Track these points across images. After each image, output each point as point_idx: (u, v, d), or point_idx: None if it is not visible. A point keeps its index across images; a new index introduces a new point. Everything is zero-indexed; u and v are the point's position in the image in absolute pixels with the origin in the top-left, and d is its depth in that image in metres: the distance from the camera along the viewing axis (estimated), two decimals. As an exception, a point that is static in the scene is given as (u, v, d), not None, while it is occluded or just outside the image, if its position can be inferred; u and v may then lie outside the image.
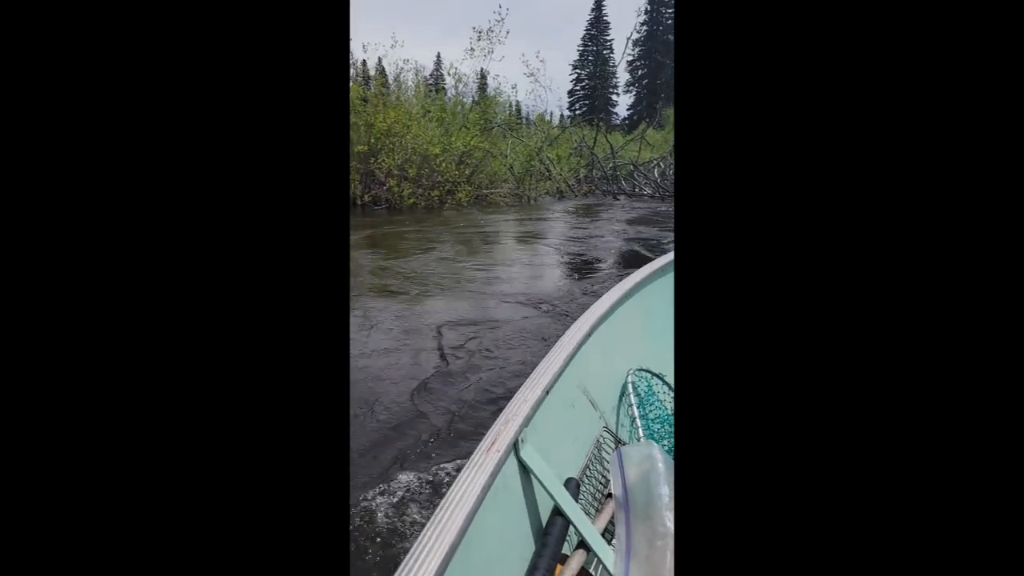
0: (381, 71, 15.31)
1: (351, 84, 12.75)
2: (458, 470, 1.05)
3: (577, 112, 42.29)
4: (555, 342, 1.43)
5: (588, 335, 1.52)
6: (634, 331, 1.90)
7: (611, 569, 1.04)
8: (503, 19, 13.79)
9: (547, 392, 1.21)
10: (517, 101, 19.40)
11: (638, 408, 1.63)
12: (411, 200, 11.16)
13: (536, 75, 20.69)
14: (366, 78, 14.01)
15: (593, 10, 44.94)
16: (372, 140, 11.11)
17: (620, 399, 1.74)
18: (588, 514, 1.23)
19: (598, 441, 1.47)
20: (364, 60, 14.95)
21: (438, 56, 18.84)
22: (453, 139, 12.81)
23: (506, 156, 14.58)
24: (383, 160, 11.12)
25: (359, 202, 10.76)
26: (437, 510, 0.81)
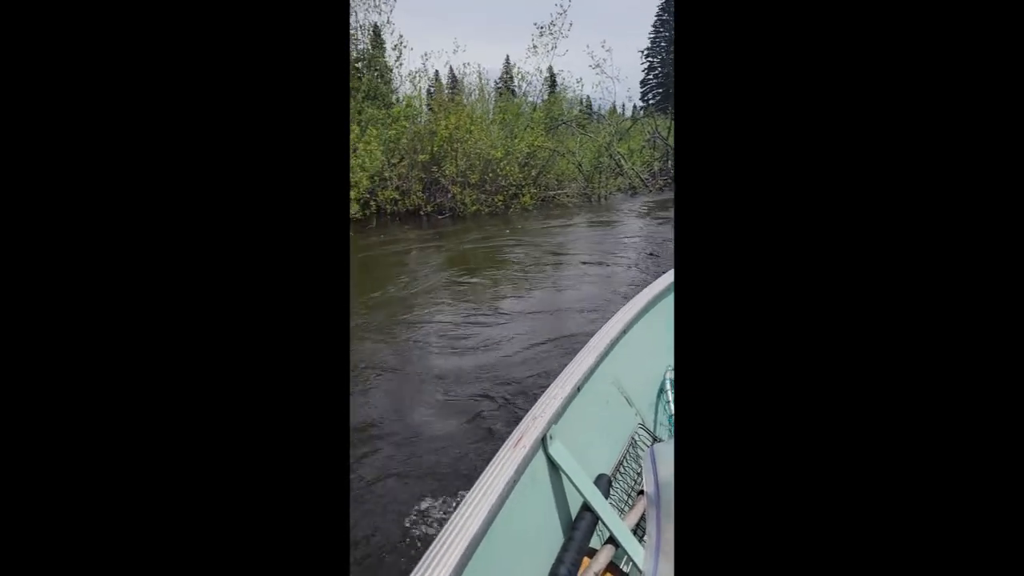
0: (449, 78, 15.19)
1: (405, 95, 12.70)
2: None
3: (650, 102, 40.40)
4: (587, 341, 1.39)
5: (623, 332, 1.50)
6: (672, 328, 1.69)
7: (640, 565, 0.99)
8: (565, 11, 12.93)
9: (578, 389, 1.20)
10: (587, 96, 18.60)
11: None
12: (474, 207, 10.83)
13: (602, 66, 19.61)
14: (431, 88, 13.89)
15: (664, -7, 42.84)
16: (434, 148, 10.93)
17: (658, 396, 1.70)
18: (619, 510, 1.21)
19: (633, 438, 1.44)
20: (421, 69, 14.85)
21: (507, 58, 18.44)
22: (516, 141, 12.37)
23: (574, 154, 13.93)
24: (446, 168, 10.91)
25: (422, 212, 10.57)
26: (462, 501, 0.83)
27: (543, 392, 1.16)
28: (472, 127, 11.38)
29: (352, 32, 13.46)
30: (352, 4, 13.02)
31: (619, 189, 14.71)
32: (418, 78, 13.38)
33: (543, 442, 1.07)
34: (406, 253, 7.04)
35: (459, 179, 11.05)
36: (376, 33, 13.32)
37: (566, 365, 1.27)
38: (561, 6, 13.23)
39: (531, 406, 1.14)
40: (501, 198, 11.33)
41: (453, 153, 11.07)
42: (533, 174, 12.60)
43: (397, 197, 10.41)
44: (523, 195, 11.62)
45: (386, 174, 10.30)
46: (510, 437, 1.00)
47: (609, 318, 1.56)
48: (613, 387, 1.46)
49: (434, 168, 10.98)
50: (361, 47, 13.21)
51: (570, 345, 3.29)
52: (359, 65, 12.85)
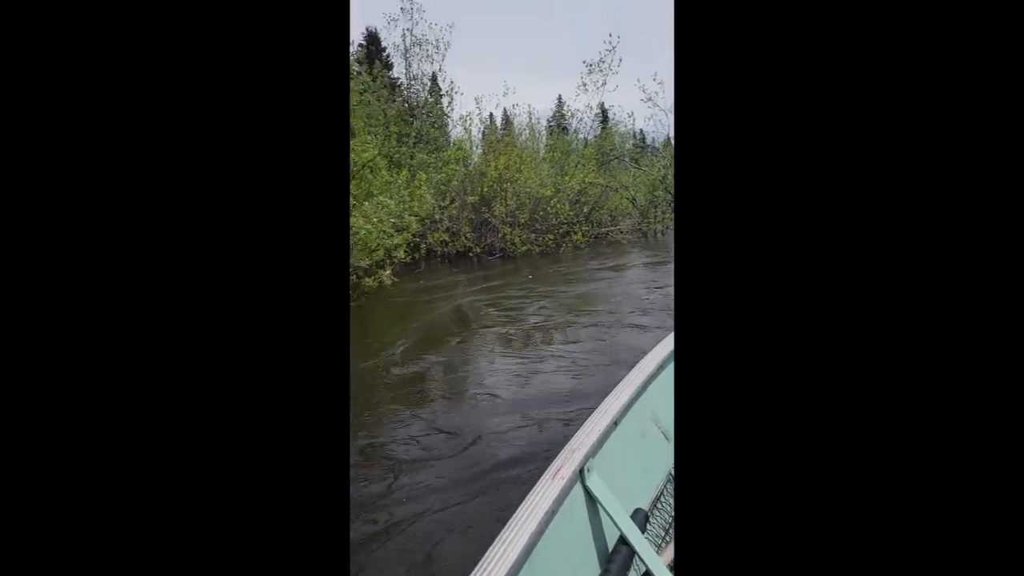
0: (502, 120, 15.39)
1: (459, 139, 12.88)
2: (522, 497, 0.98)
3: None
4: (625, 376, 1.41)
5: (660, 368, 1.51)
6: None
7: None
8: (614, 47, 12.79)
9: (615, 423, 1.22)
10: (640, 130, 18.28)
11: None
12: (524, 247, 10.63)
13: (654, 99, 19.23)
14: (484, 131, 14.09)
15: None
16: (484, 189, 10.91)
17: None
18: (656, 546, 1.23)
19: (670, 473, 1.43)
20: (474, 112, 15.11)
21: (559, 97, 18.46)
22: (567, 178, 12.18)
23: (627, 188, 13.57)
24: (496, 208, 10.83)
25: (471, 253, 10.47)
26: (499, 534, 0.83)
27: (580, 425, 1.16)
28: (522, 166, 11.31)
29: (408, 82, 13.96)
30: (408, 56, 13.56)
31: (676, 223, 14.10)
32: (468, 121, 13.61)
33: (581, 474, 1.07)
34: (447, 299, 6.86)
35: (509, 219, 10.93)
36: (433, 81, 13.74)
37: (605, 398, 1.27)
38: (610, 42, 12.93)
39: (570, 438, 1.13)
40: (552, 237, 11.07)
41: (503, 193, 11.00)
42: (585, 211, 12.31)
43: (447, 239, 10.39)
44: (575, 233, 11.32)
45: (436, 216, 10.34)
46: (548, 469, 1.00)
47: (646, 353, 1.57)
48: (650, 421, 1.44)
49: (484, 209, 10.93)
50: (421, 97, 13.64)
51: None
52: (411, 111, 13.25)
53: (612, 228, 12.61)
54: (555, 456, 1.07)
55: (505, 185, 11.02)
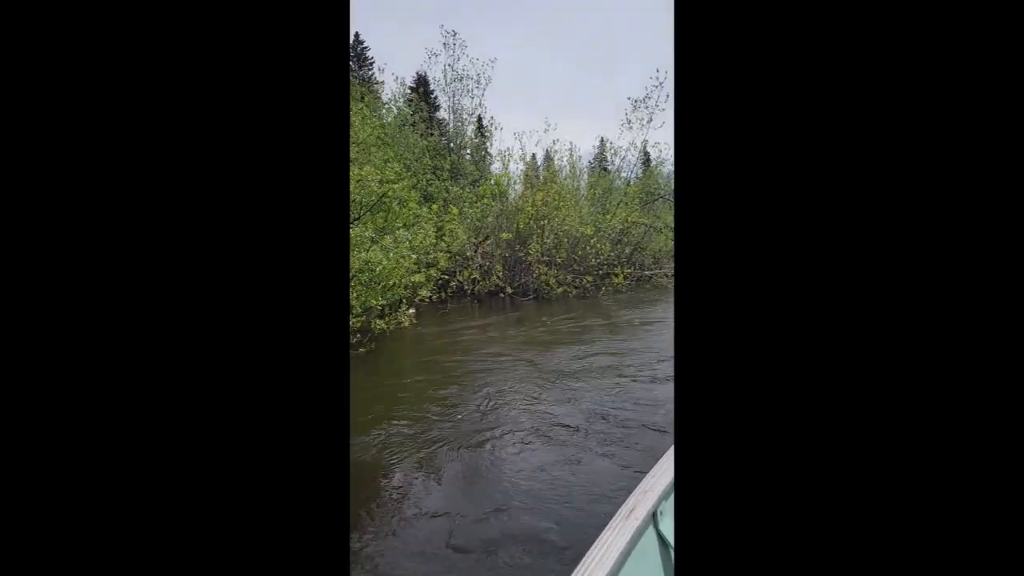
0: (544, 158, 14.91)
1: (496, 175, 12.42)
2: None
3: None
4: None
5: None
6: None
7: None
8: (661, 83, 12.19)
9: None
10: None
11: None
12: (560, 288, 9.82)
13: None
14: (525, 169, 13.61)
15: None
16: (520, 226, 10.27)
17: None
18: None
19: None
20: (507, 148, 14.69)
21: (602, 140, 17.73)
22: (608, 217, 11.43)
23: (671, 229, 12.71)
24: (531, 246, 10.16)
25: (502, 294, 9.73)
26: (573, 573, 0.82)
27: (654, 464, 1.13)
28: (560, 203, 10.64)
29: (448, 117, 13.73)
30: (448, 90, 13.36)
31: (725, 268, 13.10)
32: (507, 156, 13.17)
33: (654, 517, 1.05)
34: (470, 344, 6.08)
35: (545, 258, 10.20)
36: (479, 121, 13.47)
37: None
38: (657, 78, 12.31)
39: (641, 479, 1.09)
40: (590, 278, 10.25)
41: (539, 230, 10.33)
42: (627, 252, 11.48)
43: (478, 277, 9.72)
44: (615, 275, 10.47)
45: (468, 253, 9.72)
46: (620, 509, 1.00)
47: None
48: None
49: (518, 246, 10.26)
50: (460, 131, 13.36)
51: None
52: (448, 146, 12.91)
53: (656, 271, 11.70)
54: (626, 499, 1.02)
55: (542, 222, 10.36)
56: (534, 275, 9.97)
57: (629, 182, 13.84)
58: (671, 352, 5.12)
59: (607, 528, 0.94)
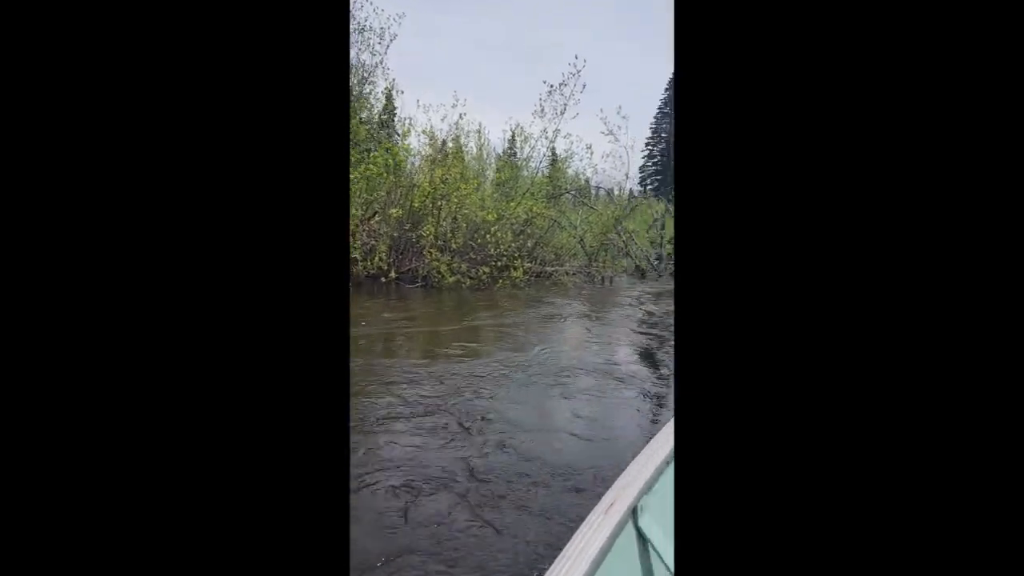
0: (449, 134, 13.64)
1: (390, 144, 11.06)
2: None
3: (648, 187, 40.09)
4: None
5: None
6: None
7: None
8: (579, 71, 11.50)
9: (668, 462, 1.16)
10: (587, 178, 17.01)
11: None
12: (453, 277, 8.75)
13: (616, 134, 17.82)
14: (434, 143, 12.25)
15: (667, 89, 44.00)
16: (414, 203, 9.04)
17: None
18: None
19: None
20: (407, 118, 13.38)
21: (513, 130, 16.54)
22: (513, 204, 10.56)
23: (575, 227, 12.17)
24: (425, 228, 8.97)
25: (384, 278, 8.42)
26: (549, 570, 0.79)
27: (633, 460, 1.11)
28: (462, 184, 9.56)
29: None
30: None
31: (624, 271, 12.88)
32: (406, 125, 11.81)
33: (633, 513, 1.02)
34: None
35: (439, 242, 9.07)
36: (367, 72, 11.86)
37: (656, 434, 1.22)
38: (575, 65, 11.62)
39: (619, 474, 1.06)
40: (488, 269, 9.28)
41: (436, 211, 9.17)
42: (529, 244, 10.70)
43: (358, 257, 8.35)
44: (515, 268, 9.61)
45: (350, 229, 8.30)
46: (599, 504, 0.95)
47: None
48: None
49: (409, 227, 9.02)
50: (364, 95, 11.70)
51: None
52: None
53: (557, 268, 11.05)
54: (605, 492, 0.99)
55: (440, 202, 9.22)
56: (425, 260, 8.81)
57: (538, 172, 13.11)
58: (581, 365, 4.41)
59: (585, 524, 0.89)
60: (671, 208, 14.83)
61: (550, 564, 0.80)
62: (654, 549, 1.02)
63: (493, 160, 13.29)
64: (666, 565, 1.01)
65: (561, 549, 0.84)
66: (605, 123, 15.62)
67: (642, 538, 1.03)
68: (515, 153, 14.18)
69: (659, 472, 1.10)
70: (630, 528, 1.00)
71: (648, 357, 5.08)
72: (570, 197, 13.51)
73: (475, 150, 13.22)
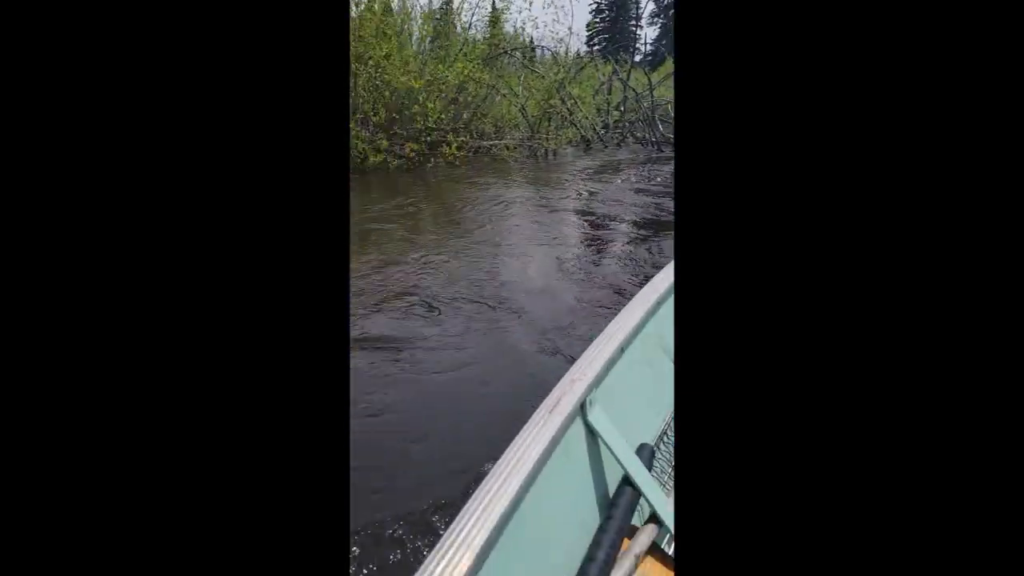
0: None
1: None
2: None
3: (595, 47, 37.22)
4: (632, 297, 1.31)
5: (672, 289, 1.40)
6: None
7: None
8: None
9: (622, 350, 1.15)
10: (531, 38, 15.09)
11: None
12: (377, 156, 7.76)
13: None
14: None
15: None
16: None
17: None
18: (663, 485, 1.14)
19: None
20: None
21: None
22: (444, 68, 9.21)
23: (517, 95, 10.99)
24: (340, 98, 7.70)
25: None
26: (491, 473, 0.76)
27: (582, 352, 1.06)
28: (382, 43, 8.12)
29: None
30: None
31: (569, 142, 12.05)
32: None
33: (582, 408, 0.98)
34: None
35: (358, 116, 7.88)
36: None
37: (609, 322, 1.17)
38: None
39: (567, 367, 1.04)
40: (416, 146, 8.28)
41: (352, 77, 7.83)
42: (464, 116, 9.58)
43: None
44: (449, 143, 8.63)
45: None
46: (545, 401, 0.92)
47: (659, 270, 1.44)
48: (659, 348, 1.34)
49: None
50: None
51: None
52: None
53: (496, 142, 10.10)
54: (553, 386, 0.95)
55: (356, 67, 7.85)
56: (345, 138, 7.70)
57: (471, 27, 11.45)
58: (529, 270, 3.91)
59: (530, 421, 0.87)
60: (619, 70, 13.70)
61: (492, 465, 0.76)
62: (604, 442, 1.00)
63: (419, 14, 11.41)
64: (616, 458, 0.97)
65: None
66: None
67: (591, 433, 1.00)
68: (447, 5, 12.22)
69: (610, 363, 1.06)
70: (579, 423, 0.98)
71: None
72: (510, 59, 12.02)
73: (399, 4, 11.25)
